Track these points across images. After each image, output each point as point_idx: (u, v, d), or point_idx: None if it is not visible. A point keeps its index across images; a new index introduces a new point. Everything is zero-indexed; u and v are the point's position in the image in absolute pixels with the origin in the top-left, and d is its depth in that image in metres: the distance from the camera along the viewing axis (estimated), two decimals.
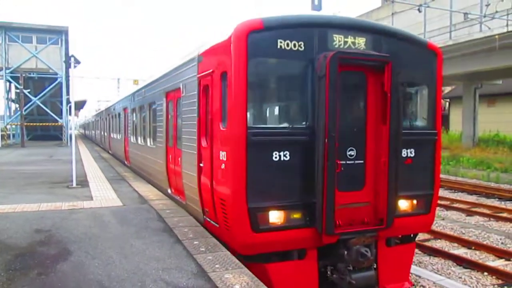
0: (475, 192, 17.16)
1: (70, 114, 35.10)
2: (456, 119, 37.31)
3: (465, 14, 23.15)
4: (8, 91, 41.42)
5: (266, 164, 5.47)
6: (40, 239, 6.42)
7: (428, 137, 6.66)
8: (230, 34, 5.57)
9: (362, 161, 6.08)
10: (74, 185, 11.82)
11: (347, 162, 5.93)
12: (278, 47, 5.50)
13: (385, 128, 5.92)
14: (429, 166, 6.62)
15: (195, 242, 6.17)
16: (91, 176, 14.04)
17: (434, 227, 10.68)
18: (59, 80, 37.82)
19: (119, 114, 18.89)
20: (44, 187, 11.80)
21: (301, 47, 5.61)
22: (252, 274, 4.96)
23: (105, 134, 26.84)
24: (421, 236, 9.84)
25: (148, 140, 11.89)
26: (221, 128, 5.85)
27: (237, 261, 5.42)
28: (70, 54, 13.74)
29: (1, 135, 37.01)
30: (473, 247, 9.91)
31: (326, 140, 5.46)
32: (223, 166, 5.73)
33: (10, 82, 39.07)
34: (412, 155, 6.41)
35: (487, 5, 23.27)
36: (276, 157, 5.50)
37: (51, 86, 38.44)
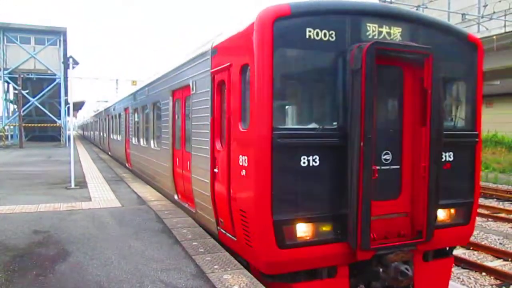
0: None
1: (68, 115, 35.11)
2: None
3: (463, 15, 23.23)
4: (6, 92, 41.37)
5: (293, 170, 4.86)
6: (39, 240, 6.41)
7: (468, 139, 6.03)
8: (252, 21, 4.91)
9: (398, 166, 5.46)
10: (73, 186, 11.80)
11: (382, 167, 5.30)
12: (307, 36, 4.88)
13: (424, 129, 5.31)
14: (469, 171, 6.01)
15: (194, 243, 6.16)
16: (90, 177, 14.02)
17: None
18: (57, 81, 37.80)
19: (119, 115, 18.35)
20: (42, 188, 11.77)
21: (332, 37, 5.00)
22: (251, 275, 4.93)
23: (105, 135, 26.01)
24: None
25: (151, 142, 11.29)
26: (241, 129, 5.21)
27: (236, 262, 5.38)
28: (68, 55, 13.75)
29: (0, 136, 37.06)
30: (471, 248, 9.95)
31: (362, 144, 4.85)
32: (243, 172, 5.12)
33: (8, 83, 39.05)
34: (451, 159, 5.80)
35: (485, 6, 23.32)
36: (304, 162, 4.89)
37: (49, 87, 38.42)
